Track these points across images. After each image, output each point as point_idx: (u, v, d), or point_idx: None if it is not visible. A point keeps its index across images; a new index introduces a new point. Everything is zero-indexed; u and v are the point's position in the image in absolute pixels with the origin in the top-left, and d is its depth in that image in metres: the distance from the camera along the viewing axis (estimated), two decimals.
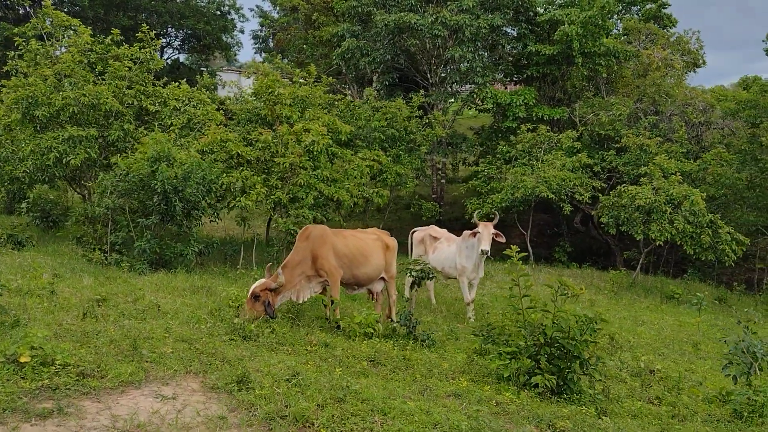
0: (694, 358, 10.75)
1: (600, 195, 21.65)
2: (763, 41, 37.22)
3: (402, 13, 22.27)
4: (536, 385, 6.57)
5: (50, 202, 18.44)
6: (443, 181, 27.23)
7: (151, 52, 17.45)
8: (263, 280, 8.59)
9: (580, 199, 20.19)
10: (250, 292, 8.43)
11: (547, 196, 19.34)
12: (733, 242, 16.83)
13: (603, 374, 6.91)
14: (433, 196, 25.95)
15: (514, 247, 7.18)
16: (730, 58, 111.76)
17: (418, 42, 22.97)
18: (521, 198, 19.66)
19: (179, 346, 7.04)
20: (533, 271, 18.91)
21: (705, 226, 16.76)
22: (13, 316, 7.57)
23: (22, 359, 5.91)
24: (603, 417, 5.85)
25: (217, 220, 15.53)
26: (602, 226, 19.75)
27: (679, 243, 17.27)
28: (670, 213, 16.89)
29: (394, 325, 9.40)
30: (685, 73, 26.83)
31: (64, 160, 14.48)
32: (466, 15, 22.20)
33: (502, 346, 7.03)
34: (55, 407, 5.10)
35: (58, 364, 5.85)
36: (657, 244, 17.50)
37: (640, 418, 6.32)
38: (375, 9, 23.71)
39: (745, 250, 17.21)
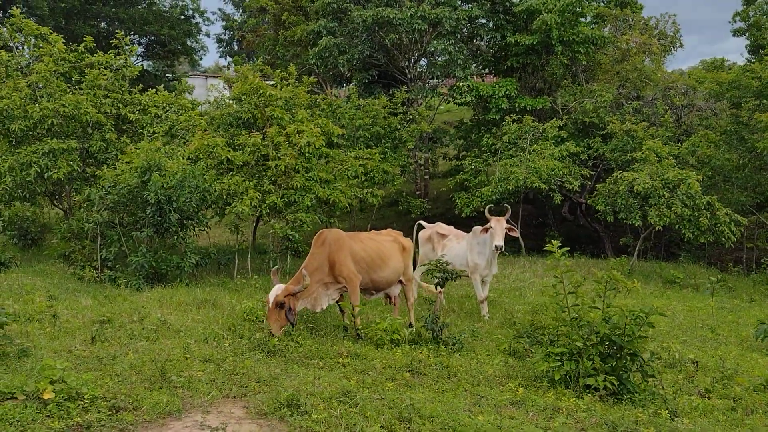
0: (716, 343, 10.54)
1: (588, 183, 21.54)
2: (730, 22, 37.76)
3: (380, 8, 21.84)
4: (591, 387, 6.24)
5: (27, 219, 17.61)
6: (426, 177, 26.92)
7: (126, 59, 16.76)
8: (281, 285, 8.09)
9: (570, 187, 20.03)
10: (272, 301, 7.89)
11: (538, 186, 19.13)
12: (732, 223, 16.78)
13: (657, 371, 6.61)
14: (418, 192, 25.60)
15: (555, 242, 6.83)
16: (689, 41, 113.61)
17: (396, 37, 22.55)
18: (513, 190, 19.41)
19: (207, 368, 6.57)
20: (529, 263, 18.71)
21: (702, 208, 16.69)
22: (18, 345, 7.02)
23: (46, 396, 5.39)
24: (676, 418, 5.53)
25: (207, 229, 14.95)
26: (596, 214, 19.60)
27: (677, 227, 17.17)
28: (668, 197, 16.78)
29: (418, 329, 9.01)
30: (664, 56, 26.91)
31: (46, 174, 13.74)
32: (444, 7, 21.87)
33: (549, 347, 6.67)
34: None
35: (87, 399, 5.35)
36: (657, 229, 17.39)
37: (707, 416, 6.03)
38: (352, 5, 23.22)
39: (743, 230, 17.19)
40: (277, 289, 8.02)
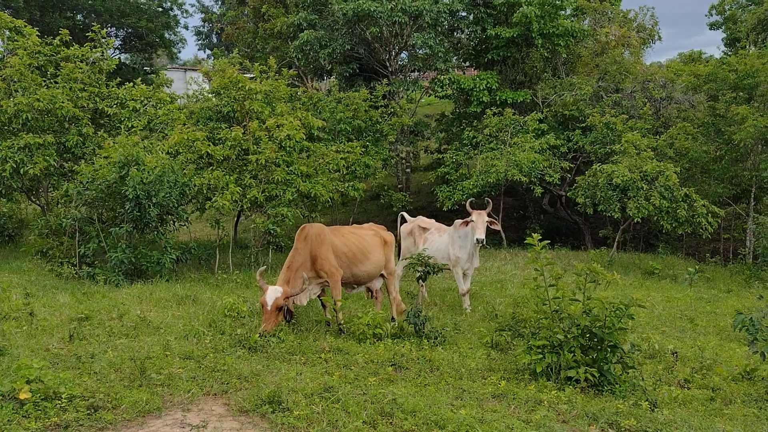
0: (695, 334, 10.66)
1: (568, 175, 21.65)
2: (706, 15, 38.13)
3: (360, 1, 21.72)
4: (572, 379, 6.27)
5: (4, 215, 17.33)
6: (408, 170, 26.91)
7: (103, 52, 16.52)
8: (277, 287, 8.03)
9: (550, 180, 20.13)
10: (272, 305, 7.84)
11: (519, 179, 19.21)
12: (709, 215, 16.98)
13: (637, 362, 6.66)
14: (399, 186, 25.58)
15: (535, 235, 6.85)
16: (667, 34, 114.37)
17: (377, 30, 22.46)
18: (494, 182, 19.47)
19: (187, 365, 6.51)
20: (510, 255, 18.79)
21: (680, 200, 16.87)
22: None
23: (22, 396, 5.30)
24: (656, 409, 5.58)
25: (187, 224, 14.81)
26: (576, 206, 19.73)
27: (656, 219, 17.34)
28: (646, 190, 16.93)
29: (400, 323, 9.01)
30: (642, 49, 27.10)
31: (22, 170, 13.52)
32: (424, 0, 21.81)
33: (531, 340, 6.70)
34: None
35: (64, 398, 5.27)
36: (635, 221, 17.54)
37: (686, 406, 6.09)
38: None
39: (720, 221, 17.40)
40: (275, 291, 7.95)
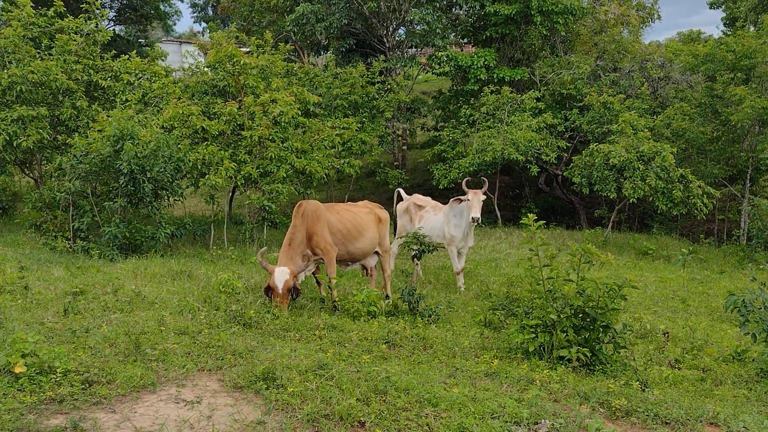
0: (687, 314, 10.75)
1: (564, 155, 21.63)
2: None
3: None
4: (564, 359, 6.32)
5: None
6: (404, 147, 26.83)
7: (97, 23, 16.33)
8: (284, 268, 8.04)
9: (546, 159, 20.11)
10: (283, 287, 7.91)
11: (516, 158, 19.19)
12: (704, 196, 17.03)
13: (629, 342, 6.70)
14: (396, 163, 25.53)
15: (531, 215, 6.85)
16: (666, 12, 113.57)
17: (374, 5, 22.24)
18: (490, 161, 19.44)
19: (182, 340, 6.52)
20: (505, 234, 18.83)
21: (676, 181, 16.89)
22: None
23: (17, 369, 5.30)
24: (646, 389, 5.63)
25: (182, 199, 14.77)
26: (572, 185, 19.74)
27: (651, 199, 17.38)
28: (642, 170, 16.94)
29: (394, 301, 9.05)
30: (641, 28, 26.93)
31: (15, 142, 13.43)
32: None
33: (524, 319, 6.73)
34: (68, 423, 4.54)
35: (59, 372, 5.27)
36: (631, 201, 17.58)
37: (676, 386, 6.15)
38: None
39: (715, 203, 17.45)
40: (284, 273, 7.97)
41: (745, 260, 16.62)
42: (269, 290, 8.10)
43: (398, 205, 12.50)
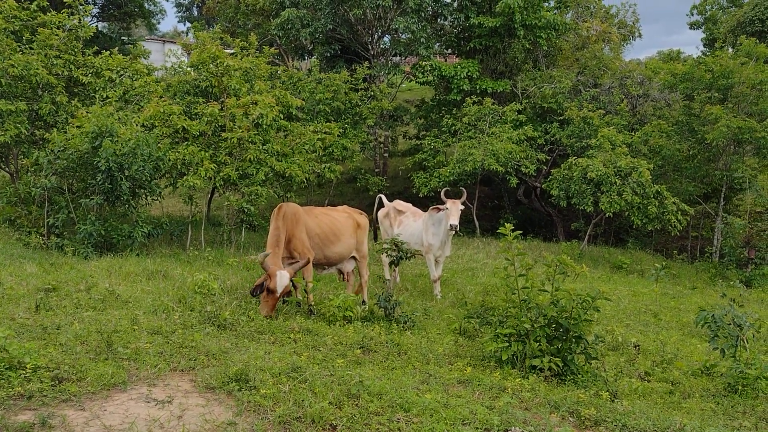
0: (658, 328, 10.89)
1: (543, 167, 21.85)
2: (687, 15, 38.50)
3: None
4: (537, 368, 6.38)
5: None
6: (386, 154, 26.90)
7: (80, 19, 16.19)
8: (283, 272, 8.00)
9: (526, 171, 20.30)
10: (283, 289, 7.91)
11: (496, 168, 19.33)
12: (679, 212, 17.29)
13: (600, 353, 6.79)
14: (377, 170, 25.59)
15: (508, 225, 6.92)
16: (647, 31, 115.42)
17: (360, 12, 22.32)
18: (470, 171, 19.57)
19: (155, 340, 6.48)
20: (483, 244, 18.93)
21: (652, 197, 17.14)
22: None
23: None
24: (616, 400, 5.70)
25: (160, 199, 14.66)
26: (550, 198, 19.93)
27: (627, 214, 17.61)
28: (619, 185, 17.17)
29: (371, 307, 9.05)
30: (622, 45, 27.32)
31: None
32: None
33: (498, 328, 6.79)
34: (36, 419, 4.50)
35: (29, 368, 5.21)
36: (607, 215, 17.80)
37: (645, 398, 6.23)
38: None
39: (689, 219, 17.73)
40: (285, 278, 7.95)
41: (717, 277, 16.89)
42: (260, 290, 8.05)
43: (379, 212, 12.53)
